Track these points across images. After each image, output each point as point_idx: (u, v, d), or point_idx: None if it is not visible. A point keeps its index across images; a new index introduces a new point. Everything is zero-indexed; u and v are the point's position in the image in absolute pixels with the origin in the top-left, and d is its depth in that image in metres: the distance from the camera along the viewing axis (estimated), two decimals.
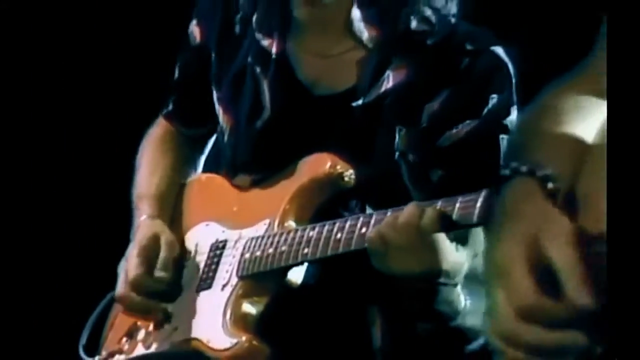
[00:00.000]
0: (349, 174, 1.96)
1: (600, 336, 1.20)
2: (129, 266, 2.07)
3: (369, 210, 1.95)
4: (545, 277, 1.21)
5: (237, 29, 2.15)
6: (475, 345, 1.98)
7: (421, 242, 1.78)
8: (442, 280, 1.82)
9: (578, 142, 1.32)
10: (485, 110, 1.94)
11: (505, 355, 1.24)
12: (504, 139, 1.93)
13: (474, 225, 1.76)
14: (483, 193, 1.72)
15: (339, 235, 1.89)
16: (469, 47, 2.00)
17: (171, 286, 2.08)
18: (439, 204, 1.77)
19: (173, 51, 2.33)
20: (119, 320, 2.25)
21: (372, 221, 1.85)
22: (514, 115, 1.97)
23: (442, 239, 1.81)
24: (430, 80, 2.00)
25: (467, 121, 1.95)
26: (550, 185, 1.24)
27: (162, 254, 2.07)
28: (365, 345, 2.04)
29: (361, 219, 1.89)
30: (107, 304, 2.26)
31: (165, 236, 2.10)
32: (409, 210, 1.80)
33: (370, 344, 2.04)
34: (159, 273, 2.04)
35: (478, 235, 1.85)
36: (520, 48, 2.05)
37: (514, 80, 2.01)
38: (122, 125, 2.91)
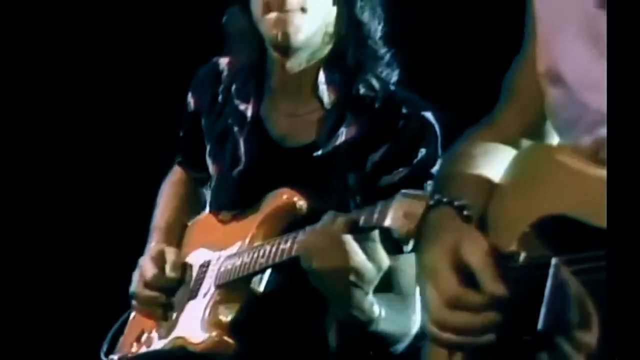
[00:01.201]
0: (302, 204, 2.26)
1: (509, 317, 1.39)
2: (144, 270, 2.43)
3: None
4: (465, 275, 1.43)
5: (220, 98, 2.47)
6: (400, 347, 2.19)
7: (332, 242, 2.03)
8: (352, 278, 2.04)
9: (486, 181, 1.56)
10: (415, 160, 2.24)
11: (441, 338, 1.45)
12: (429, 184, 2.17)
13: (374, 228, 2.00)
14: (380, 203, 2.02)
15: (282, 246, 2.17)
16: (404, 110, 2.28)
17: (178, 284, 2.42)
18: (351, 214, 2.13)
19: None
20: (130, 329, 2.56)
21: (298, 236, 2.18)
22: (438, 166, 2.25)
23: (350, 241, 2.04)
24: (374, 136, 2.29)
25: (401, 169, 2.22)
26: (465, 212, 1.49)
27: (170, 259, 2.43)
28: (322, 346, 2.26)
29: (300, 231, 2.16)
30: (125, 319, 2.58)
31: (170, 250, 2.46)
32: (324, 218, 2.11)
33: (327, 346, 2.26)
34: (170, 272, 2.40)
35: (381, 254, 2.06)
36: (444, 111, 2.32)
37: (439, 138, 2.29)
38: (145, 166, 3.07)
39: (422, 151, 2.26)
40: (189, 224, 2.60)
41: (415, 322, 2.23)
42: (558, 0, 1.53)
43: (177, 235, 2.54)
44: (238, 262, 2.30)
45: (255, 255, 2.26)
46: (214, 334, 2.26)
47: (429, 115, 2.30)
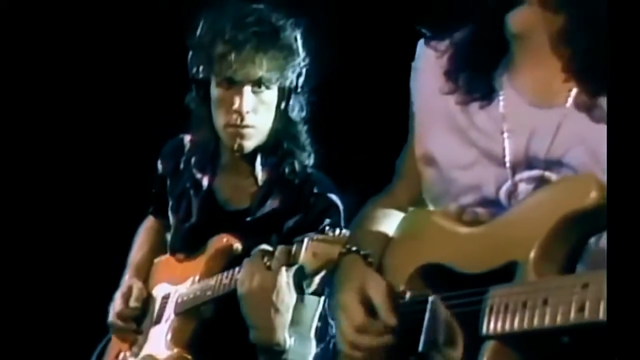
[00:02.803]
0: (237, 246, 2.56)
1: (403, 338, 1.53)
2: (115, 304, 2.73)
3: None
4: (369, 308, 1.58)
5: (182, 166, 2.77)
6: None
7: (256, 268, 2.30)
8: (273, 297, 2.27)
9: (383, 236, 1.72)
10: (321, 228, 2.45)
11: (351, 355, 1.60)
12: (328, 230, 2.31)
13: (291, 265, 2.28)
14: (295, 244, 2.27)
15: (224, 281, 2.44)
16: (316, 190, 2.58)
17: (141, 313, 2.73)
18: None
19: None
20: (110, 350, 2.85)
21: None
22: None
23: (283, 277, 2.29)
24: (291, 208, 2.58)
25: (310, 233, 2.42)
26: (368, 259, 1.66)
27: (134, 293, 2.73)
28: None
29: (237, 268, 2.39)
30: (105, 343, 2.89)
31: (137, 285, 2.76)
32: (252, 253, 2.36)
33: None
34: (132, 303, 2.72)
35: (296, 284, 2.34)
36: (348, 194, 2.59)
37: (342, 213, 2.55)
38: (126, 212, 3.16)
39: (327, 221, 2.50)
40: (155, 261, 2.86)
41: (312, 347, 2.45)
42: (428, 104, 1.68)
43: (146, 271, 2.82)
44: (191, 295, 2.57)
45: (204, 288, 2.52)
46: (175, 350, 2.57)
47: (333, 196, 2.57)
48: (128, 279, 2.81)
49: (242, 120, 2.50)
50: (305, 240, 2.27)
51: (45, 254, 3.93)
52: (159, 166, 2.86)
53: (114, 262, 2.92)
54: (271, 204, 2.62)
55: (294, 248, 2.29)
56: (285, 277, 2.30)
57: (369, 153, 2.26)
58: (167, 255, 2.83)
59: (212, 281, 2.51)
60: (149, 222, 2.95)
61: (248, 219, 2.63)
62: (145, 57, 3.41)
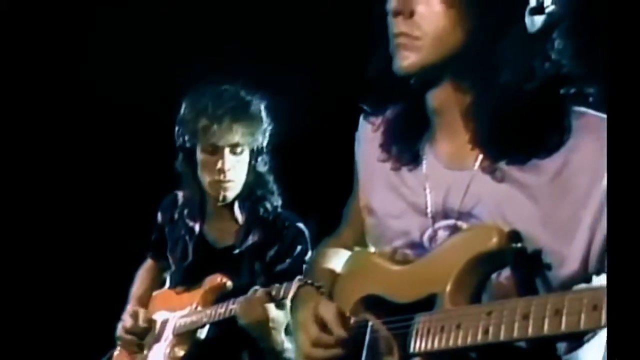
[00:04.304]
0: (229, 284, 2.89)
1: (349, 354, 1.60)
2: (125, 322, 3.04)
3: None
4: (322, 325, 1.65)
5: (176, 217, 3.07)
6: None
7: (256, 304, 2.63)
8: (271, 324, 2.61)
9: (333, 271, 1.80)
10: (295, 253, 2.89)
11: None
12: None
13: (282, 299, 2.58)
14: (285, 284, 2.58)
15: (219, 310, 2.72)
16: (286, 223, 2.90)
17: (146, 332, 3.04)
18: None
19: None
20: None
21: (238, 300, 2.63)
22: (309, 256, 2.75)
23: (268, 303, 2.57)
24: (269, 240, 2.89)
25: (287, 260, 2.89)
26: (321, 290, 1.75)
27: (141, 316, 3.04)
28: None
29: (231, 300, 2.69)
30: (110, 355, 3.11)
31: (142, 310, 3.07)
32: (251, 291, 2.66)
33: None
34: (141, 323, 3.03)
35: (286, 311, 2.59)
36: (310, 224, 2.93)
37: (308, 238, 2.89)
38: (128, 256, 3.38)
39: (299, 247, 2.85)
40: (154, 294, 3.16)
41: None
42: (368, 167, 1.77)
43: (146, 302, 3.14)
44: (189, 320, 2.87)
45: (200, 316, 2.84)
46: None
47: (301, 225, 2.89)
48: (131, 306, 3.08)
49: (224, 176, 2.82)
50: (295, 281, 2.50)
51: (64, 291, 4.18)
52: (159, 217, 3.14)
53: (117, 294, 3.24)
54: (252, 238, 2.91)
55: (283, 287, 2.58)
56: (274, 308, 2.59)
57: (323, 195, 2.53)
58: (164, 289, 3.13)
59: (208, 310, 2.79)
60: (148, 264, 3.23)
61: (235, 251, 2.91)
62: (145, 131, 3.68)
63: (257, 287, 2.60)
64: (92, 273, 3.99)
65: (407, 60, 1.50)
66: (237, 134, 2.80)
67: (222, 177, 2.81)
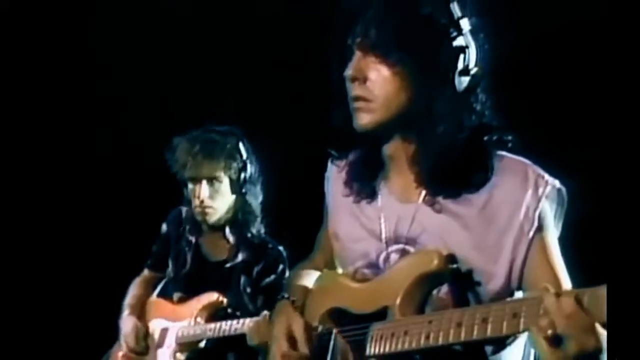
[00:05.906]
0: (225, 301, 3.02)
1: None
2: (128, 341, 3.17)
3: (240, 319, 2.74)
4: (292, 341, 1.71)
5: (180, 230, 3.15)
6: None
7: (264, 326, 2.51)
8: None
9: (306, 289, 1.86)
10: (278, 270, 3.03)
11: None
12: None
13: None
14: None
15: (224, 327, 2.78)
16: (270, 246, 3.04)
17: (145, 349, 3.14)
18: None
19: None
20: None
21: (245, 321, 2.72)
22: (287, 275, 2.83)
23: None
24: (255, 258, 3.03)
25: (272, 275, 3.06)
26: (295, 303, 1.80)
27: (140, 334, 3.15)
28: None
29: (235, 320, 2.75)
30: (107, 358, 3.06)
31: (140, 326, 3.15)
32: (260, 315, 2.60)
33: None
34: (142, 342, 3.15)
35: None
36: (288, 248, 3.02)
37: (286, 261, 3.02)
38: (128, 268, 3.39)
39: (281, 266, 3.00)
40: (149, 301, 3.22)
41: None
42: (335, 200, 1.87)
43: (140, 309, 3.19)
44: (192, 332, 2.95)
45: (205, 329, 2.92)
46: None
47: (281, 248, 3.01)
48: (127, 316, 3.14)
49: (202, 203, 2.97)
50: None
51: (66, 299, 4.14)
52: (164, 227, 3.23)
53: (117, 294, 3.33)
54: (241, 256, 3.03)
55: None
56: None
57: (300, 224, 2.58)
58: (157, 298, 3.22)
59: (212, 325, 2.88)
60: (144, 275, 3.26)
61: (227, 265, 3.03)
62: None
63: (265, 312, 2.63)
64: (92, 273, 4.02)
65: (363, 120, 1.61)
66: (210, 168, 2.96)
67: (200, 203, 2.96)
